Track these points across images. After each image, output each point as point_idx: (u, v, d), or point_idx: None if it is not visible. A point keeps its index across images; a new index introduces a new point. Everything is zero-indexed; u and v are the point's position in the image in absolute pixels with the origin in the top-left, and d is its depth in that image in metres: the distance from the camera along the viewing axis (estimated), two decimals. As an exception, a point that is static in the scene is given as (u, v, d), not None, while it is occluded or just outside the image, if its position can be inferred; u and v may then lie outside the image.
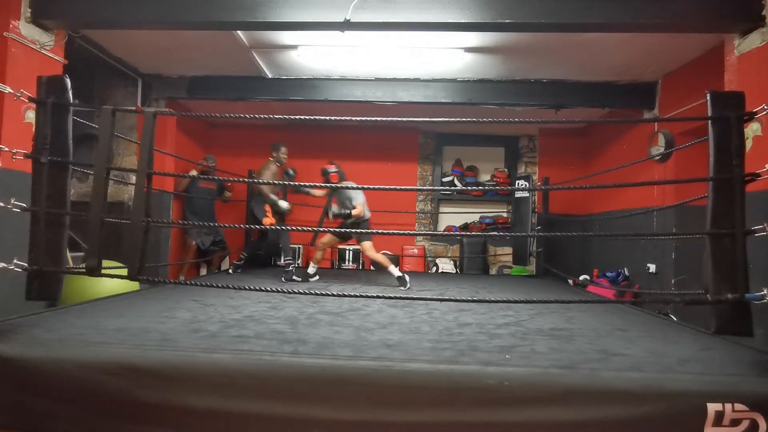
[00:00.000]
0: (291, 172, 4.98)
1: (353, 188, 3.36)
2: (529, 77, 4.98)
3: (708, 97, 2.00)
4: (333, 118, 2.50)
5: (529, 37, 3.99)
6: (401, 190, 3.07)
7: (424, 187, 7.30)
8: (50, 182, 2.13)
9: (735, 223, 1.90)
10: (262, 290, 2.34)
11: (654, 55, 4.26)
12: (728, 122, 1.94)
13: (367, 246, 4.52)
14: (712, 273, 1.91)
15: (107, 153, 2.16)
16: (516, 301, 2.29)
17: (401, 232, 2.59)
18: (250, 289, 2.34)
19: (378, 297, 2.58)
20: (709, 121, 1.97)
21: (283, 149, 5.09)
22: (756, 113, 1.97)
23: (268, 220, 4.83)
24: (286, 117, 2.34)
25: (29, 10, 3.26)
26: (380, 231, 2.35)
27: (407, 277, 4.34)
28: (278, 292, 2.33)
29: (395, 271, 4.36)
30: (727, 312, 1.90)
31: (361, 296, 2.38)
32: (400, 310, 3.04)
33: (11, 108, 3.07)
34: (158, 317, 2.55)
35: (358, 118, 2.37)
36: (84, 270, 2.14)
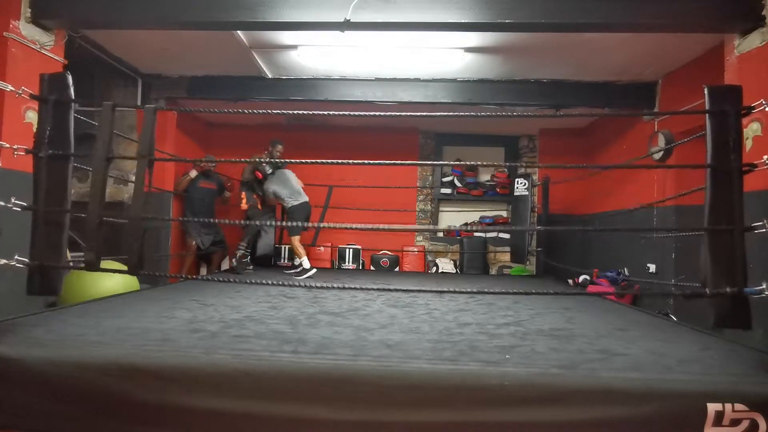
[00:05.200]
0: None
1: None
2: (529, 77, 4.98)
3: (706, 92, 2.00)
4: (332, 113, 2.49)
5: (529, 37, 3.99)
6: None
7: (424, 186, 7.30)
8: (51, 179, 2.12)
9: (733, 218, 1.90)
10: (268, 284, 2.34)
11: (654, 55, 4.26)
12: (726, 116, 1.94)
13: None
14: (710, 268, 1.90)
15: (107, 146, 2.15)
16: (516, 293, 2.29)
17: (400, 228, 2.59)
18: (251, 283, 2.34)
19: (379, 289, 2.56)
20: (707, 115, 1.97)
21: (279, 147, 5.34)
22: (754, 108, 1.97)
23: (243, 206, 5.31)
24: (285, 112, 2.34)
25: (29, 10, 3.26)
26: (380, 227, 2.34)
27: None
28: (278, 284, 2.33)
29: (306, 263, 5.05)
30: (726, 305, 1.89)
31: (361, 288, 2.37)
32: (400, 310, 3.04)
33: (11, 108, 3.07)
34: (158, 317, 2.54)
35: (357, 113, 2.37)
36: (83, 265, 2.14)
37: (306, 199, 5.29)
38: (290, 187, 5.23)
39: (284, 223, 5.33)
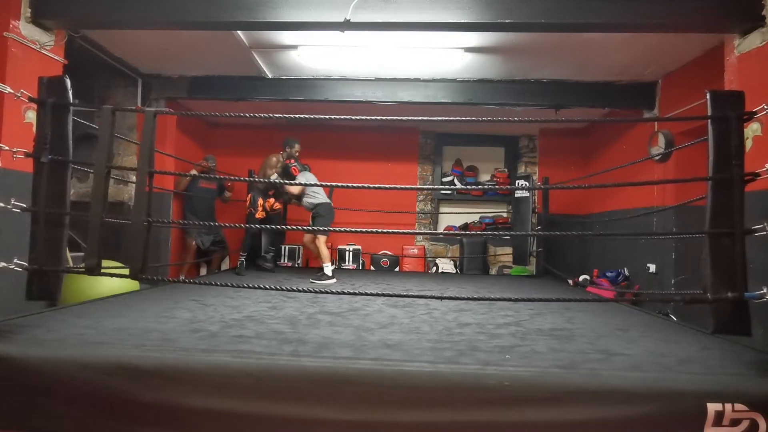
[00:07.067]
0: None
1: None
2: (529, 77, 4.98)
3: (708, 96, 2.00)
4: (333, 117, 2.50)
5: (529, 37, 3.99)
6: (401, 189, 3.08)
7: (424, 186, 7.30)
8: (50, 182, 2.13)
9: (734, 223, 1.90)
10: (263, 288, 2.34)
11: (654, 55, 4.26)
12: (728, 122, 1.94)
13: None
14: (711, 273, 1.91)
15: (107, 152, 2.16)
16: (516, 299, 2.30)
17: (401, 231, 2.59)
18: (251, 287, 2.35)
19: (378, 295, 2.57)
20: (709, 121, 1.97)
21: (297, 146, 5.13)
22: (756, 113, 1.97)
23: (259, 214, 5.06)
24: (286, 116, 2.34)
25: (29, 10, 3.26)
26: (381, 230, 2.35)
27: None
28: (278, 290, 2.33)
29: (328, 269, 4.77)
30: (725, 312, 1.90)
31: (360, 294, 2.38)
32: (400, 310, 3.05)
33: (11, 108, 3.07)
34: (158, 317, 2.55)
35: (358, 117, 2.38)
36: (84, 269, 2.15)
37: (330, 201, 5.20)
38: (318, 186, 5.04)
39: (310, 226, 5.06)
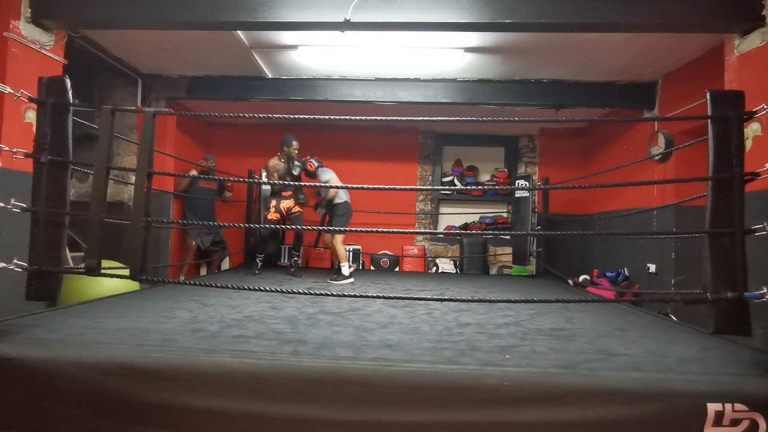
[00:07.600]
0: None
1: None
2: (529, 77, 4.99)
3: (708, 97, 2.00)
4: (333, 117, 2.51)
5: (529, 37, 3.99)
6: (401, 189, 3.08)
7: (424, 187, 7.30)
8: (50, 182, 2.13)
9: (734, 223, 1.91)
10: (261, 290, 2.34)
11: (654, 55, 4.26)
12: (728, 121, 1.94)
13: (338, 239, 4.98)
14: (711, 272, 1.91)
15: (107, 153, 2.16)
16: (516, 301, 2.30)
17: (401, 230, 2.59)
18: (250, 289, 2.35)
19: (378, 297, 2.59)
20: (709, 121, 1.97)
21: (295, 143, 4.91)
22: (756, 112, 1.97)
23: (271, 215, 4.94)
24: (286, 116, 2.33)
25: (29, 10, 3.26)
26: (381, 230, 2.35)
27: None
28: (278, 291, 2.33)
29: (346, 269, 4.74)
30: (725, 312, 1.90)
31: (361, 296, 2.39)
32: (400, 310, 3.04)
33: (11, 108, 3.07)
34: (158, 317, 2.55)
35: (358, 117, 2.38)
36: (83, 270, 2.15)
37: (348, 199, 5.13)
38: (338, 183, 5.00)
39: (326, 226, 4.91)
